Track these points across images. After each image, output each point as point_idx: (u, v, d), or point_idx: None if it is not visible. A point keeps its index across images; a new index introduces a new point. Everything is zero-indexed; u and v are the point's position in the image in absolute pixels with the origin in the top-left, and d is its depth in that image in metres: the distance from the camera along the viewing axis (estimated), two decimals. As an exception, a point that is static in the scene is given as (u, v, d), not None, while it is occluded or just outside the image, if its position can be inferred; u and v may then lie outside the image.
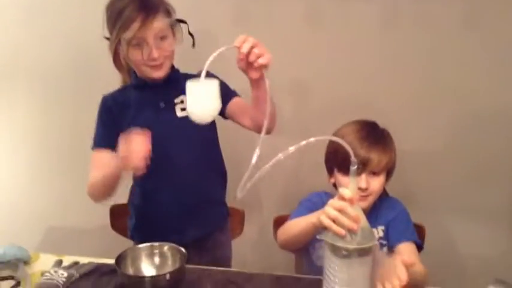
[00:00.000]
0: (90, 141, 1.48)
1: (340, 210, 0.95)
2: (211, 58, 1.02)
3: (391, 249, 1.29)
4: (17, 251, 1.35)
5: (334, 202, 0.97)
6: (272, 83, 1.13)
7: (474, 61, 1.73)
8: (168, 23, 1.37)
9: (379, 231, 1.35)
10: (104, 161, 1.38)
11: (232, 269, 1.37)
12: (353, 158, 0.94)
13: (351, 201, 0.95)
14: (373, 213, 1.36)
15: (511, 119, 1.76)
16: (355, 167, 0.95)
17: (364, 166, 1.26)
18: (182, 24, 1.40)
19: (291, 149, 0.94)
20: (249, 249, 1.79)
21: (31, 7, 2.00)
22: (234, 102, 1.48)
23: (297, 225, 1.22)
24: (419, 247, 1.31)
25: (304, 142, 0.94)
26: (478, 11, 1.68)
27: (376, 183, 1.29)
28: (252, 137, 1.38)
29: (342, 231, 0.93)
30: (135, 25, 1.31)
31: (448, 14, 1.70)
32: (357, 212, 0.95)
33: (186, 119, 1.40)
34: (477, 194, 1.84)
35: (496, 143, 1.79)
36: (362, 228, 0.94)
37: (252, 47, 1.09)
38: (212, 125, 1.51)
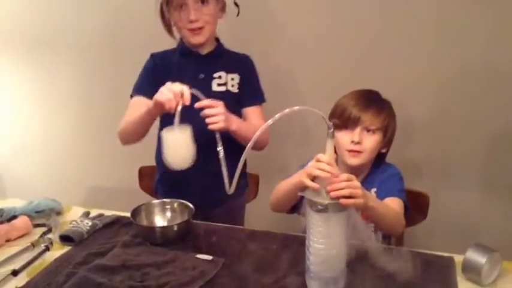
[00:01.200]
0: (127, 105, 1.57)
1: (319, 169, 1.03)
2: (179, 109, 1.23)
3: None
4: (50, 202, 1.53)
5: (312, 164, 1.06)
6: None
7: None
8: None
9: (371, 193, 1.39)
10: (138, 107, 1.47)
11: (236, 226, 1.46)
12: (328, 122, 1.01)
13: (328, 164, 1.04)
14: (368, 178, 1.42)
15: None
16: (331, 130, 1.01)
17: (356, 122, 1.33)
18: None
19: (277, 116, 1.03)
20: (262, 212, 1.88)
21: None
22: (251, 109, 1.59)
23: (282, 187, 1.32)
24: (406, 208, 1.35)
25: (287, 110, 1.02)
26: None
27: (369, 141, 1.34)
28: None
29: (317, 186, 1.02)
30: None
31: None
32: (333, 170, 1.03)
33: (220, 93, 1.54)
34: (487, 166, 1.85)
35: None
36: (338, 186, 1.01)
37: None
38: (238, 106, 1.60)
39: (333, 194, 1.00)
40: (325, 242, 1.03)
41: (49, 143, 2.53)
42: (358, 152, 1.34)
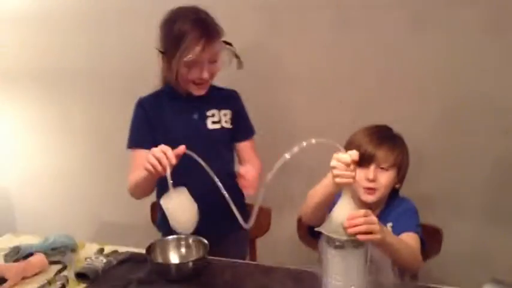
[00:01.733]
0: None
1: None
2: (168, 172, 1.28)
3: None
4: (64, 239, 1.53)
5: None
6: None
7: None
8: (224, 48, 1.50)
9: (388, 228, 1.39)
10: (142, 161, 1.47)
11: (251, 262, 1.46)
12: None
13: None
14: (384, 213, 1.43)
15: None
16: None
17: (370, 160, 1.35)
18: (229, 46, 1.52)
19: (295, 149, 1.05)
20: (274, 247, 1.88)
21: (88, 14, 2.24)
22: (245, 144, 1.67)
23: (315, 193, 1.28)
24: (422, 242, 1.35)
25: (304, 143, 1.05)
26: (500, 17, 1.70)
27: (383, 178, 1.36)
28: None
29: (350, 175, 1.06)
30: (197, 49, 1.44)
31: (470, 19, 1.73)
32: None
33: (216, 131, 1.59)
34: (498, 197, 1.85)
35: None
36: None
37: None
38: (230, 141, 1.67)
39: (350, 230, 1.01)
40: (343, 279, 1.03)
41: (60, 176, 2.54)
42: (374, 189, 1.36)
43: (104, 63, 2.29)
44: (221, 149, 1.61)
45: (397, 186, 1.43)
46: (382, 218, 1.37)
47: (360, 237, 1.01)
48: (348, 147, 1.38)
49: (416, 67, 1.84)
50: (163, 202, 1.30)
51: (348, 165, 1.05)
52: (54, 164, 2.55)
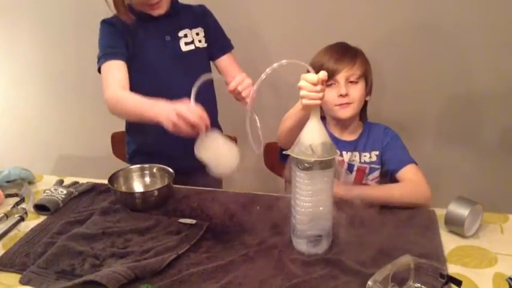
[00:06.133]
0: (94, 72, 1.46)
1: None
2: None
3: (392, 174, 1.35)
4: (21, 172, 1.47)
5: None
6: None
7: None
8: None
9: (372, 156, 1.41)
10: (119, 73, 1.39)
11: (216, 189, 1.44)
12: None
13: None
14: (363, 136, 1.42)
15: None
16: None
17: (334, 75, 1.33)
18: None
19: (268, 70, 1.02)
20: (241, 175, 1.87)
21: None
22: (224, 59, 1.56)
23: (288, 117, 1.22)
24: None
25: (276, 64, 1.02)
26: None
27: (355, 91, 1.35)
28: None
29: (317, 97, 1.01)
30: None
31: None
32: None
33: (190, 53, 1.50)
34: (467, 125, 1.88)
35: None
36: (323, 143, 1.00)
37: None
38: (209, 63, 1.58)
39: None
40: (311, 200, 1.02)
41: (14, 111, 2.42)
42: (348, 103, 1.35)
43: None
44: (198, 71, 1.48)
45: (367, 98, 1.42)
46: (364, 146, 1.41)
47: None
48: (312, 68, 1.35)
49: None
50: (201, 154, 1.13)
51: (314, 84, 1.01)
52: (5, 98, 2.42)
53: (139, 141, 1.62)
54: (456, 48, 1.80)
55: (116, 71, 1.40)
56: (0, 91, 2.41)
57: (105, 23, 1.49)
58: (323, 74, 1.01)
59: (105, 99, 1.37)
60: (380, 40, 1.82)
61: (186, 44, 1.51)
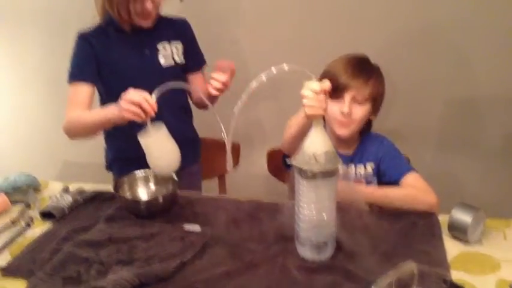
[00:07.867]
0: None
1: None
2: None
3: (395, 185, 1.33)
4: (26, 178, 1.48)
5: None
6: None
7: None
8: None
9: (367, 168, 1.40)
10: (83, 96, 1.43)
11: (222, 195, 1.45)
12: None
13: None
14: (359, 150, 1.41)
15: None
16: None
17: (344, 91, 1.30)
18: None
19: (262, 75, 1.02)
20: (244, 182, 1.87)
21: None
22: (197, 74, 1.63)
23: (292, 124, 1.23)
24: None
25: (274, 69, 1.02)
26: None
27: (358, 112, 1.32)
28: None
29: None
30: None
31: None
32: None
33: (170, 68, 1.53)
34: (468, 130, 1.89)
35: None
36: (326, 152, 1.00)
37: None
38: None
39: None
40: (315, 208, 1.03)
41: (19, 116, 2.44)
42: (348, 122, 1.33)
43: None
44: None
45: (371, 118, 1.40)
46: (360, 158, 1.40)
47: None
48: (324, 75, 1.34)
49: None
50: (142, 138, 1.21)
51: (317, 93, 1.01)
52: (9, 105, 2.43)
53: (118, 147, 1.62)
54: (457, 53, 1.81)
55: (79, 101, 1.44)
56: (6, 96, 2.43)
57: (80, 39, 1.49)
58: (326, 84, 1.01)
59: (63, 126, 1.44)
60: (380, 46, 1.82)
61: (165, 57, 1.52)
